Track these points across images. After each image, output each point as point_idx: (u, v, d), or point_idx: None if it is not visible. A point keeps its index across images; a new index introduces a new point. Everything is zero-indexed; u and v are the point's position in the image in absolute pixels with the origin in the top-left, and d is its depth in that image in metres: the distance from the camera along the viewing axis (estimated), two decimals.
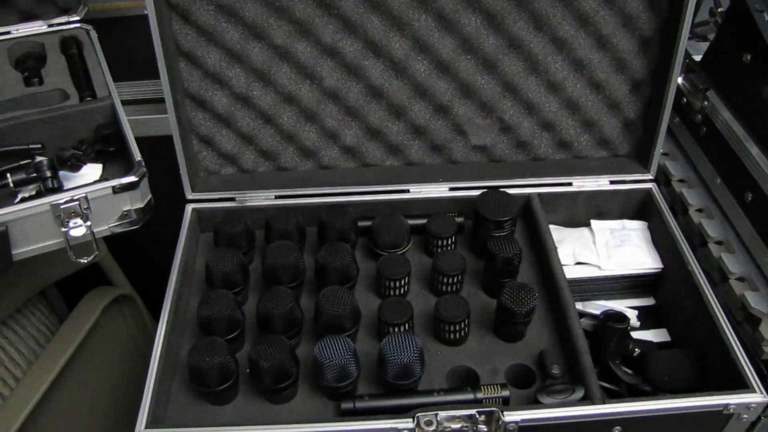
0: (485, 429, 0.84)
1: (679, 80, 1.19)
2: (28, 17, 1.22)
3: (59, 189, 0.96)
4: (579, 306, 1.08)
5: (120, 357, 1.41)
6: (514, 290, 0.96)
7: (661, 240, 1.12)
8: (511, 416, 0.82)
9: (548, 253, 1.06)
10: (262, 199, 1.15)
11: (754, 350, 0.96)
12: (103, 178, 1.03)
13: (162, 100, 1.05)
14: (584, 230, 1.18)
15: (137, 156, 0.99)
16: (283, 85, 1.09)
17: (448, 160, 1.19)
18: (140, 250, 1.38)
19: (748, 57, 1.06)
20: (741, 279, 1.03)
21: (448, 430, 0.84)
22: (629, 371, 0.98)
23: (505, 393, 0.89)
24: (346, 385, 0.90)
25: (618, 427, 0.85)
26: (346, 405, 0.89)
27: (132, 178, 0.96)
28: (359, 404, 0.89)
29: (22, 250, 0.94)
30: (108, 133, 1.06)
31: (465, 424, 0.83)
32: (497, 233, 1.08)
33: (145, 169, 0.98)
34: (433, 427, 0.82)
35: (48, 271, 1.33)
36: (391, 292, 1.05)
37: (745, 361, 0.88)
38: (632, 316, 1.06)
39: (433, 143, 1.17)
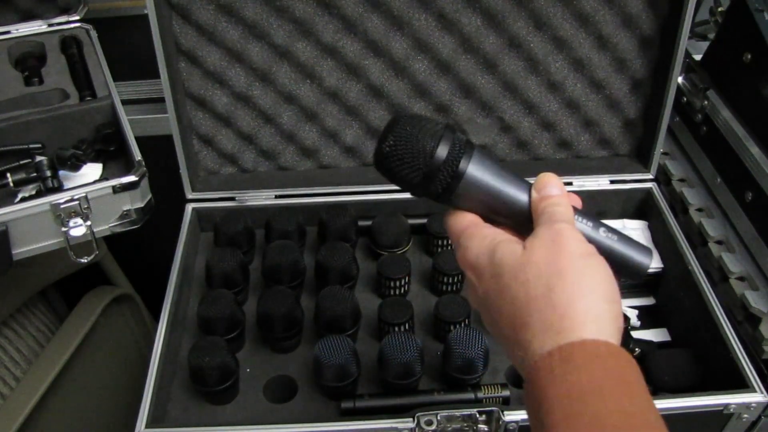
0: (485, 429, 0.84)
1: (679, 80, 1.19)
2: (28, 17, 1.22)
3: (59, 188, 0.96)
4: None
5: (120, 357, 1.41)
6: None
7: (661, 240, 1.12)
8: (512, 416, 0.82)
9: None
10: (262, 198, 1.15)
11: (754, 350, 0.95)
12: (103, 177, 1.03)
13: (162, 100, 1.05)
14: None
15: (137, 156, 0.99)
16: (283, 85, 1.09)
17: None
18: (140, 250, 1.38)
19: (748, 56, 1.06)
20: (741, 278, 1.03)
21: (448, 429, 0.84)
22: None
23: (505, 393, 0.89)
24: (346, 385, 0.90)
25: None
26: (347, 404, 0.89)
27: (132, 178, 0.96)
28: (359, 403, 0.89)
29: (22, 249, 0.94)
30: (108, 133, 1.06)
31: (465, 424, 0.83)
32: None
33: (145, 169, 0.98)
34: (433, 427, 0.82)
35: (48, 271, 1.33)
36: (391, 292, 1.05)
37: (746, 361, 0.88)
38: (632, 315, 1.06)
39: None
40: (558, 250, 0.52)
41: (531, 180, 0.60)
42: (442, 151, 0.56)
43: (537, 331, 0.50)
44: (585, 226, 0.58)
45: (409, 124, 0.58)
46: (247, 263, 1.10)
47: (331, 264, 1.02)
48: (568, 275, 0.51)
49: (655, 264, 1.11)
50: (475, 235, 0.58)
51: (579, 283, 0.51)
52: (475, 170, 0.57)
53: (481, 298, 0.57)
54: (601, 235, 0.58)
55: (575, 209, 0.58)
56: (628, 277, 0.59)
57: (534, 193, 0.58)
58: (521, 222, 0.58)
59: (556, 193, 0.57)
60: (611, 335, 0.50)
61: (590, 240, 0.57)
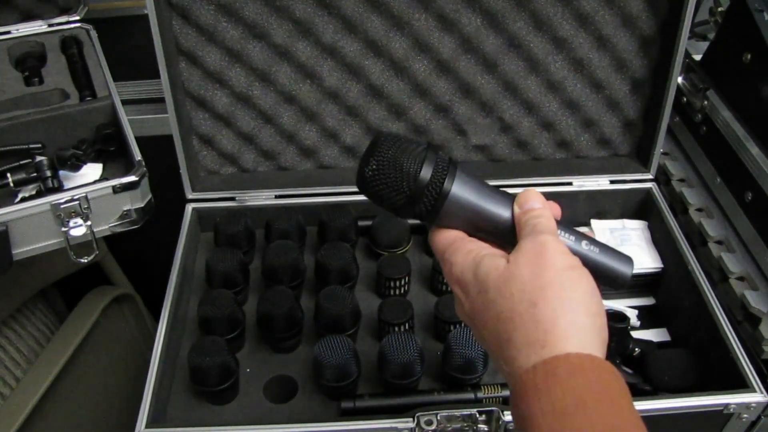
0: (485, 428, 0.84)
1: (679, 80, 1.19)
2: (28, 17, 1.22)
3: (59, 189, 0.96)
4: None
5: (120, 357, 1.41)
6: None
7: (661, 240, 1.12)
8: None
9: None
10: (262, 198, 1.15)
11: (754, 350, 0.96)
12: (104, 177, 1.03)
13: (162, 100, 1.05)
14: (584, 230, 1.18)
15: (137, 156, 0.99)
16: (283, 85, 1.09)
17: None
18: (140, 250, 1.38)
19: (748, 57, 1.06)
20: (741, 278, 1.03)
21: (448, 429, 0.84)
22: (629, 371, 0.98)
23: (505, 393, 0.89)
24: (346, 385, 0.90)
25: None
26: (347, 404, 0.89)
27: (132, 178, 0.96)
28: (359, 403, 0.89)
29: (22, 249, 0.94)
30: (108, 133, 1.06)
31: (465, 424, 0.83)
32: None
33: (145, 169, 0.98)
34: (433, 427, 0.82)
35: (48, 271, 1.33)
36: (391, 292, 1.05)
37: (745, 361, 0.88)
38: (632, 315, 1.06)
39: (433, 143, 1.17)
40: (542, 264, 0.52)
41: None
42: (426, 173, 0.56)
43: (521, 345, 0.50)
44: (567, 239, 0.58)
45: (391, 146, 0.57)
46: (247, 263, 1.10)
47: (331, 264, 1.02)
48: (551, 289, 0.51)
49: (655, 264, 1.11)
50: (460, 250, 0.58)
51: (562, 297, 0.51)
52: (459, 189, 0.57)
53: (467, 313, 0.57)
54: (584, 247, 0.59)
55: (557, 223, 0.58)
56: (610, 287, 0.60)
57: (516, 208, 0.58)
58: (505, 237, 0.58)
59: (538, 206, 0.57)
60: (595, 348, 0.50)
61: (572, 253, 0.57)
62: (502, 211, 0.58)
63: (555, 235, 0.55)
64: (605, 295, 1.13)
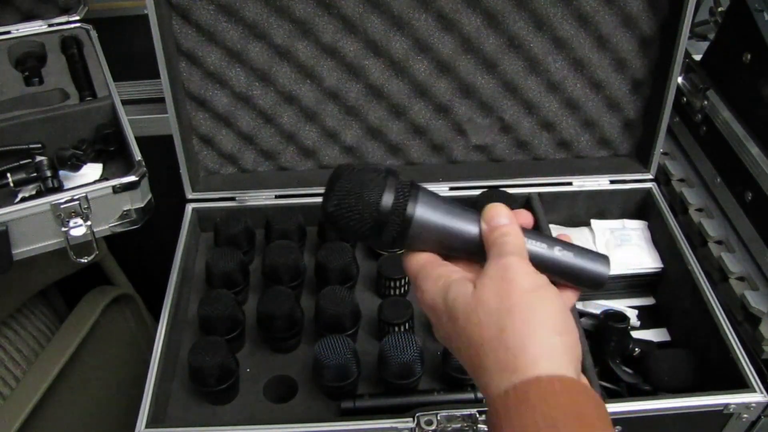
0: (485, 429, 0.84)
1: (679, 80, 1.19)
2: (28, 17, 1.22)
3: (59, 189, 0.96)
4: (579, 305, 1.08)
5: (120, 357, 1.41)
6: None
7: (661, 240, 1.12)
8: None
9: None
10: (262, 198, 1.15)
11: (754, 350, 0.96)
12: (104, 177, 1.03)
13: (162, 100, 1.05)
14: (584, 230, 1.18)
15: (137, 156, 0.99)
16: (283, 85, 1.09)
17: (448, 160, 1.19)
18: (140, 250, 1.38)
19: (748, 57, 1.06)
20: (741, 278, 1.03)
21: (448, 429, 0.84)
22: (629, 371, 0.98)
23: None
24: (346, 385, 0.90)
25: (618, 427, 0.85)
26: (347, 404, 0.89)
27: (132, 178, 0.96)
28: (359, 403, 0.89)
29: (22, 249, 0.94)
30: (108, 133, 1.06)
31: (465, 424, 0.83)
32: None
33: (145, 169, 0.98)
34: (433, 427, 0.82)
35: (48, 271, 1.33)
36: (391, 292, 1.05)
37: (745, 361, 0.88)
38: (632, 315, 1.06)
39: (433, 143, 1.17)
40: (506, 287, 0.52)
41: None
42: (387, 200, 0.56)
43: (493, 372, 0.50)
44: (538, 247, 0.57)
45: (349, 179, 0.57)
46: (247, 263, 1.10)
47: (331, 264, 1.02)
48: (518, 312, 0.51)
49: (655, 264, 1.11)
50: (429, 276, 0.57)
51: (529, 319, 0.50)
52: (423, 212, 0.56)
53: (443, 339, 0.57)
54: (557, 253, 0.58)
55: (527, 232, 0.57)
56: (589, 288, 0.59)
57: (483, 225, 0.57)
58: (477, 254, 0.58)
59: (504, 222, 0.56)
60: (567, 368, 0.49)
61: (545, 260, 0.56)
62: (471, 228, 0.57)
63: (520, 255, 0.54)
64: (605, 296, 1.14)
